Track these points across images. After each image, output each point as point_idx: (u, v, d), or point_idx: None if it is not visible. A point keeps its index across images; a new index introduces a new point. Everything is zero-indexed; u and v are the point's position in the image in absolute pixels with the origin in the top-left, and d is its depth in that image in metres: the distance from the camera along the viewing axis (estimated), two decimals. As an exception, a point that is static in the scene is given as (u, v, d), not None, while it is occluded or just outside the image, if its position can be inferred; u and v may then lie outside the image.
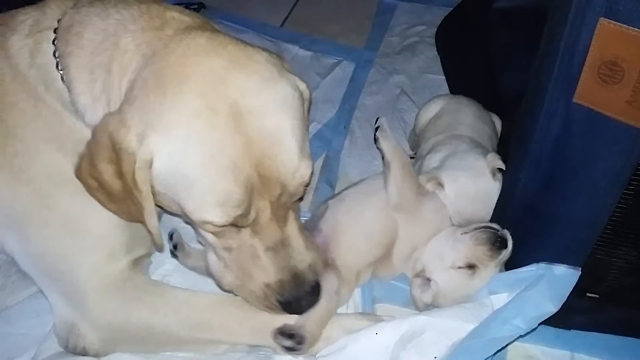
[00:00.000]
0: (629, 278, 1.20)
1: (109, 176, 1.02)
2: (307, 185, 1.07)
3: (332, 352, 1.17)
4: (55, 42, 1.12)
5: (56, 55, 1.12)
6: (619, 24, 0.87)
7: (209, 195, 0.97)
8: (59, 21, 1.14)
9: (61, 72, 1.11)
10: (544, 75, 1.02)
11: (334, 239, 1.31)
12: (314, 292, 1.13)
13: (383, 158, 1.38)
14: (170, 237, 1.39)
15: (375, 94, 2.09)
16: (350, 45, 2.32)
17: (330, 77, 2.17)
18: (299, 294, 1.11)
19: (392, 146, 1.37)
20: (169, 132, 0.95)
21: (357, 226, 1.33)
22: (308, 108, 1.14)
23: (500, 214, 1.33)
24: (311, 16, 2.49)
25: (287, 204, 1.06)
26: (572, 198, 1.10)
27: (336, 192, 1.71)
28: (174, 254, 1.39)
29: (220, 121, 0.94)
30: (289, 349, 1.16)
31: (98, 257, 1.17)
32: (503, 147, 1.55)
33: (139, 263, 1.24)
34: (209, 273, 1.22)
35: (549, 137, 1.06)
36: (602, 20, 0.88)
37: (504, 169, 1.34)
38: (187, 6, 1.24)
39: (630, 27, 0.86)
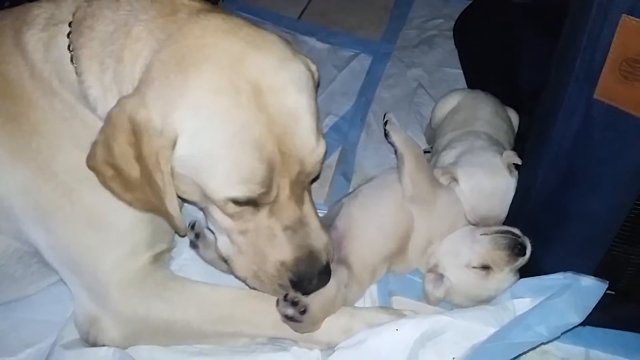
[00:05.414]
0: (646, 275, 1.20)
1: (127, 160, 1.02)
2: (322, 163, 1.09)
3: (351, 344, 1.17)
4: (70, 36, 1.13)
5: (70, 49, 1.12)
6: (642, 21, 0.87)
7: (233, 172, 0.98)
8: (74, 14, 1.14)
9: (75, 65, 1.11)
10: (564, 71, 1.01)
11: (349, 234, 1.32)
12: (326, 272, 1.14)
13: (396, 152, 1.39)
14: (192, 227, 1.38)
15: (392, 87, 2.09)
16: (367, 38, 2.32)
17: (347, 69, 2.18)
18: (313, 272, 1.12)
19: (404, 138, 1.38)
20: (193, 109, 0.96)
21: (372, 220, 1.34)
22: (316, 89, 1.14)
23: (517, 209, 1.32)
24: (328, 8, 2.49)
25: (304, 182, 1.08)
26: (590, 194, 1.10)
27: (352, 185, 1.73)
28: (193, 244, 1.38)
29: (243, 99, 0.95)
30: (290, 319, 1.15)
31: (120, 252, 1.18)
32: (520, 143, 1.55)
33: (160, 258, 1.25)
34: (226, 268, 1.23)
35: (569, 133, 1.06)
36: (625, 17, 0.88)
37: (520, 163, 1.34)
38: (206, -2, 1.24)
39: (653, 25, 0.86)
